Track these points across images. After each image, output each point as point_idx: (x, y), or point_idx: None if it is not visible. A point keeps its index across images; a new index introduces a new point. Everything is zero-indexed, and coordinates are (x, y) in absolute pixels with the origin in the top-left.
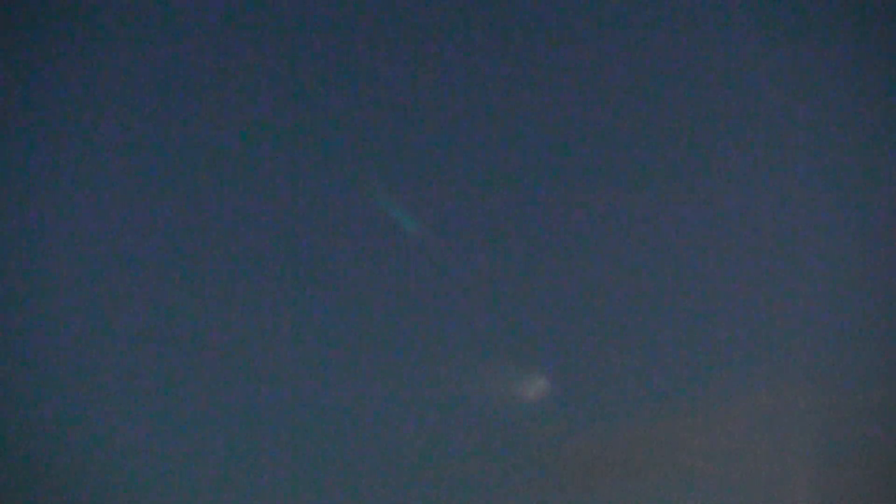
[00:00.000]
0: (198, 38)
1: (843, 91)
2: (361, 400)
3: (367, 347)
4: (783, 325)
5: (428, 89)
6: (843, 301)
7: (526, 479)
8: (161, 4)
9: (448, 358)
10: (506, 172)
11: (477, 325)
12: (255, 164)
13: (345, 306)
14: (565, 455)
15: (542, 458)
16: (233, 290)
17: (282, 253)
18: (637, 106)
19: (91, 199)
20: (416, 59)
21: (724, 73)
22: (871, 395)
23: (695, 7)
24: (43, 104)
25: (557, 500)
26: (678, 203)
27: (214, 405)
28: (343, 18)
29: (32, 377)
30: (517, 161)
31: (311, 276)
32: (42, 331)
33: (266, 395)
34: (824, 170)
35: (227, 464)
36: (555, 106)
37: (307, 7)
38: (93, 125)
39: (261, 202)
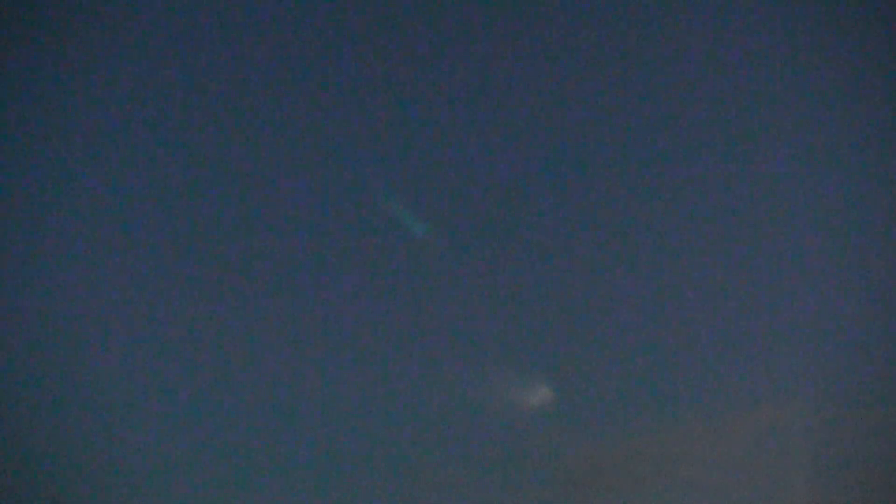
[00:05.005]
0: (200, 40)
1: (843, 91)
2: (366, 407)
3: (373, 354)
4: (786, 339)
5: (433, 93)
6: (848, 315)
7: (529, 487)
8: (162, 6)
9: (453, 366)
10: (515, 178)
11: (482, 334)
12: (260, 167)
13: (352, 313)
14: (568, 463)
15: (546, 466)
16: (236, 292)
17: (288, 257)
18: (639, 113)
19: (96, 201)
20: (420, 61)
21: (724, 75)
22: (872, 410)
23: (696, 8)
24: (45, 104)
25: None
26: (685, 216)
27: (218, 411)
28: (345, 21)
29: (36, 378)
30: (526, 166)
31: (316, 282)
32: (46, 331)
33: (272, 401)
34: (834, 187)
35: (228, 467)
36: (558, 111)
37: (309, 9)
38: (97, 127)
39: (265, 205)
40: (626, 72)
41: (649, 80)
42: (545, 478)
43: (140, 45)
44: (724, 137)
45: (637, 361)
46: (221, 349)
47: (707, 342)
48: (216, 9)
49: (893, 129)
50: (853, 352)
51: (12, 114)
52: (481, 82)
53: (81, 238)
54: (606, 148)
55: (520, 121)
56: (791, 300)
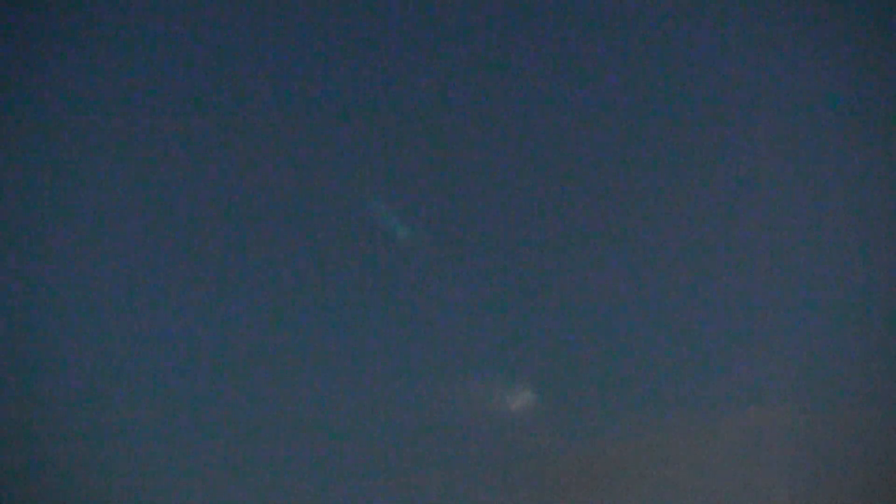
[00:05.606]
0: (197, 39)
1: (844, 91)
2: (357, 409)
3: (360, 356)
4: (774, 341)
5: (423, 94)
6: (843, 316)
7: (519, 488)
8: (161, 5)
9: (442, 367)
10: (500, 179)
11: (471, 335)
12: (252, 167)
13: (339, 315)
14: (557, 468)
15: (534, 470)
16: (227, 294)
17: (279, 259)
18: (636, 112)
19: (95, 202)
20: (413, 61)
21: (723, 74)
22: (866, 412)
23: (696, 7)
24: (47, 104)
25: None
26: (673, 215)
27: (212, 411)
28: (342, 20)
29: (37, 378)
30: (512, 167)
31: (304, 286)
32: (46, 332)
33: (263, 404)
34: (830, 186)
35: (224, 469)
36: (553, 109)
37: (307, 8)
38: (95, 128)
39: (256, 206)
40: (622, 71)
41: (645, 81)
42: (535, 479)
43: (135, 46)
44: (716, 137)
45: (628, 362)
46: (214, 354)
47: (698, 343)
48: (209, 9)
49: (893, 129)
50: (848, 353)
51: (11, 113)
52: (474, 83)
53: (79, 239)
54: (597, 145)
55: (510, 121)
56: (783, 300)
